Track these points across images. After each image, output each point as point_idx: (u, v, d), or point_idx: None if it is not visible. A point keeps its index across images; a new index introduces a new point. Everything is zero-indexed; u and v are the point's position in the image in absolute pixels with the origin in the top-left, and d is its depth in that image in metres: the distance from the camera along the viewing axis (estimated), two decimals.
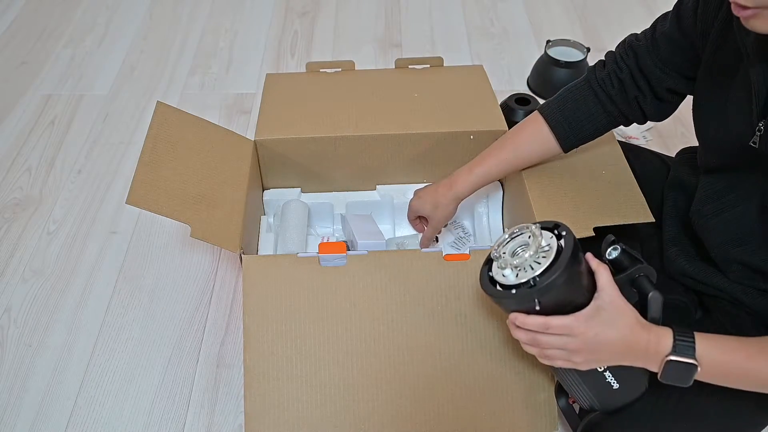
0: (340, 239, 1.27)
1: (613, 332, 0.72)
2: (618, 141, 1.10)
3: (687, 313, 0.91)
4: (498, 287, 0.75)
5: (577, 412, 0.91)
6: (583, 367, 0.76)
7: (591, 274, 0.75)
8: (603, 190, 1.03)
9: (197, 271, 1.31)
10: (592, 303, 0.73)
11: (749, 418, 0.85)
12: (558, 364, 0.76)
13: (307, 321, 0.93)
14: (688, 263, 0.90)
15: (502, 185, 1.26)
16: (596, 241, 0.82)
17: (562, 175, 1.06)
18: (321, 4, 2.07)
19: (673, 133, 1.60)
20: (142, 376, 1.14)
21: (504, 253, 0.76)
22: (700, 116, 0.88)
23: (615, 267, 0.77)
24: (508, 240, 0.77)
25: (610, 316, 0.72)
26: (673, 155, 1.07)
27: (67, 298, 1.27)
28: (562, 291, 0.71)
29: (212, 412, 1.10)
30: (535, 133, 1.02)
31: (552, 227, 0.76)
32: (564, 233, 0.73)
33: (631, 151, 1.10)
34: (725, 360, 0.73)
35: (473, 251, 0.95)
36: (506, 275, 0.74)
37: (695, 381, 0.77)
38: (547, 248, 0.73)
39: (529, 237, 0.74)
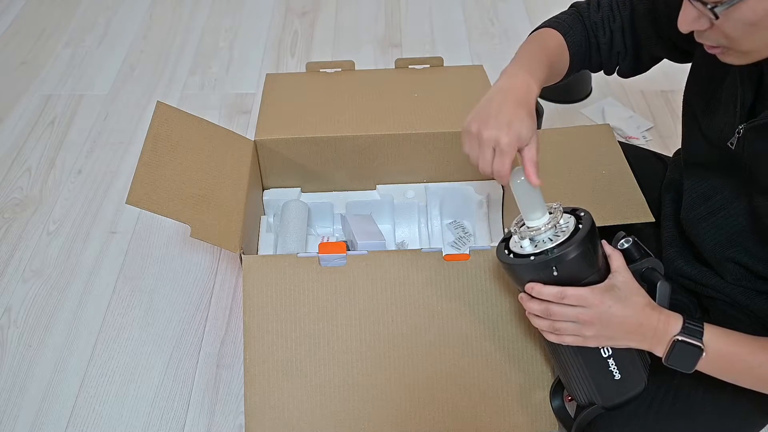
0: (340, 239, 1.27)
1: (626, 308, 0.73)
2: (618, 141, 1.10)
3: (686, 313, 0.91)
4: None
5: (572, 414, 0.91)
6: (591, 343, 0.77)
7: (605, 258, 0.77)
8: (603, 190, 1.03)
9: (197, 271, 1.31)
10: (607, 281, 0.75)
11: (745, 418, 0.85)
12: (567, 340, 0.77)
13: (307, 321, 0.93)
14: (685, 264, 0.91)
15: (502, 185, 1.26)
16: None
17: (561, 174, 1.06)
18: (321, 4, 2.07)
19: (673, 132, 1.60)
20: (142, 376, 1.14)
21: (524, 226, 0.78)
22: (691, 104, 0.88)
23: (625, 258, 0.79)
24: None
25: (624, 293, 0.74)
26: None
27: (67, 298, 1.27)
28: (579, 263, 0.73)
29: (212, 412, 1.10)
30: (564, 54, 0.91)
31: (571, 211, 0.79)
32: (582, 214, 0.77)
33: (630, 151, 1.10)
34: (729, 351, 0.74)
35: (473, 251, 0.95)
36: (524, 246, 0.77)
37: (692, 380, 0.77)
38: (565, 226, 0.76)
39: (550, 213, 0.76)
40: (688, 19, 0.66)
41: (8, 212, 1.43)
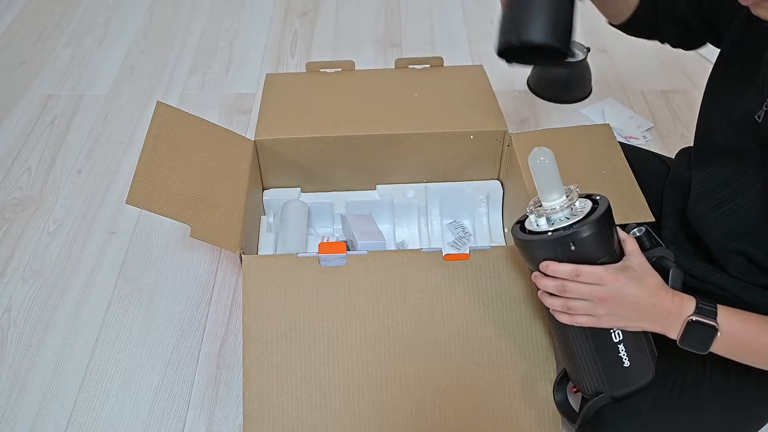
0: (340, 239, 1.27)
1: (640, 288, 0.74)
2: (618, 141, 1.10)
3: None
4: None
5: (576, 408, 0.91)
6: (605, 323, 0.77)
7: (620, 243, 0.78)
8: (603, 189, 1.02)
9: (197, 271, 1.31)
10: (621, 262, 0.76)
11: (750, 410, 0.85)
12: (579, 320, 0.77)
13: (307, 321, 0.93)
14: (687, 261, 0.91)
15: (502, 185, 1.26)
16: None
17: (562, 174, 1.06)
18: (321, 4, 2.07)
19: (673, 133, 1.60)
20: (142, 376, 1.14)
21: (540, 206, 0.79)
22: (717, 85, 0.88)
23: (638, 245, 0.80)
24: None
25: (638, 274, 0.75)
26: (673, 156, 1.07)
27: (67, 298, 1.27)
28: (596, 241, 0.74)
29: (212, 412, 1.10)
30: None
31: (586, 196, 0.80)
32: (598, 198, 0.78)
33: (630, 151, 1.10)
34: (744, 330, 0.74)
35: (473, 251, 0.95)
36: (540, 225, 0.78)
37: (697, 373, 0.77)
38: (581, 208, 0.77)
39: (567, 195, 0.78)
40: None
41: (8, 212, 1.43)
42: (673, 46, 1.01)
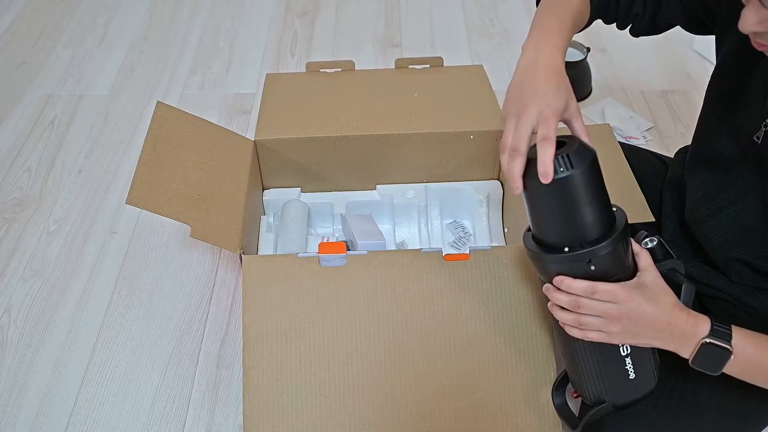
0: (340, 239, 1.27)
1: (655, 307, 0.73)
2: (618, 141, 1.10)
3: None
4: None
5: (575, 412, 0.90)
6: (616, 340, 0.75)
7: (633, 256, 0.76)
8: None
9: (197, 271, 1.31)
10: (636, 278, 0.74)
11: (750, 416, 0.85)
12: (591, 336, 0.75)
13: (307, 321, 0.93)
14: (688, 264, 0.90)
15: (502, 185, 1.26)
16: None
17: None
18: (321, 4, 2.07)
19: (673, 133, 1.60)
20: (142, 376, 1.14)
21: None
22: (715, 98, 0.87)
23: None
24: None
25: (653, 292, 0.73)
26: (673, 156, 1.07)
27: (67, 298, 1.27)
28: (614, 258, 0.72)
29: (212, 412, 1.10)
30: (586, 8, 0.90)
31: None
32: (615, 209, 0.75)
33: (630, 151, 1.10)
34: (757, 354, 0.73)
35: (473, 251, 0.95)
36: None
37: (698, 379, 0.76)
38: None
39: None
40: (752, 21, 0.64)
41: (8, 212, 1.43)
42: (635, 36, 0.98)
